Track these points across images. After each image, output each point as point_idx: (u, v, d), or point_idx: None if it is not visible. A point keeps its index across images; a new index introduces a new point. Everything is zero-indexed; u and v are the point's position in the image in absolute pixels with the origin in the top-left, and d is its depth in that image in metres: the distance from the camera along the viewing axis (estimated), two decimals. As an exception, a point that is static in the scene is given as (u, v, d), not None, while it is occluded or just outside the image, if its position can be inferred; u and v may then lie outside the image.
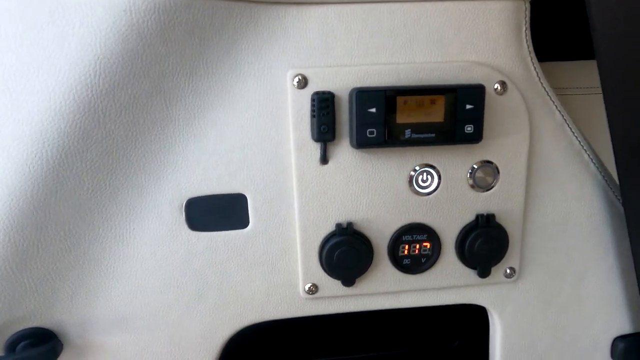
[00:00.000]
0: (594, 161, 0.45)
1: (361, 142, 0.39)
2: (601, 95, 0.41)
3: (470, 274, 0.45)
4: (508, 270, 0.46)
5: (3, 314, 0.39)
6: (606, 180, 0.45)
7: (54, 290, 0.40)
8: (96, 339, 0.43)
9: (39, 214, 0.37)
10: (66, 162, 0.36)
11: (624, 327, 0.50)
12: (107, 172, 0.38)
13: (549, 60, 0.60)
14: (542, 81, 0.42)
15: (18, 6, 0.33)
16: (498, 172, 0.43)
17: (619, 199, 0.46)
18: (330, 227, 0.42)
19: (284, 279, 0.44)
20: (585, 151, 0.45)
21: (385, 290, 0.45)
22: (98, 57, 0.34)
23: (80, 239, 0.39)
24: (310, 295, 0.44)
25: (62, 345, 0.42)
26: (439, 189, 0.42)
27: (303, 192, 0.41)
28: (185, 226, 0.41)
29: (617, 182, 0.44)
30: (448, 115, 0.39)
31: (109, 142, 0.37)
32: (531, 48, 0.41)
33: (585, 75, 0.61)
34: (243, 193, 0.41)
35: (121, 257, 0.41)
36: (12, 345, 0.40)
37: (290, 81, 0.39)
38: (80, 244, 0.40)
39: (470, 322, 0.77)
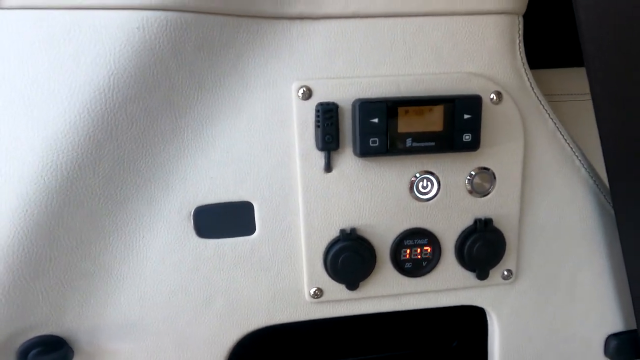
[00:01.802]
0: (585, 166, 0.47)
1: (364, 151, 0.40)
2: (588, 102, 0.43)
3: (469, 277, 0.47)
4: (505, 273, 0.48)
5: (16, 322, 0.40)
6: (597, 185, 0.48)
7: (65, 298, 0.41)
8: (106, 345, 0.43)
9: (52, 224, 0.38)
10: (79, 173, 0.37)
11: (616, 325, 0.52)
12: (118, 182, 0.39)
13: (540, 67, 0.62)
14: (535, 90, 0.44)
15: (34, 22, 0.34)
16: (495, 178, 0.44)
17: (609, 203, 0.48)
18: (334, 233, 0.44)
19: (290, 283, 0.45)
20: (577, 157, 0.47)
21: (388, 293, 0.46)
22: (112, 73, 0.35)
23: (91, 248, 0.40)
24: (315, 300, 0.45)
25: (73, 352, 0.42)
26: (438, 194, 0.44)
27: (308, 200, 0.43)
28: (193, 234, 0.42)
29: (608, 186, 0.46)
30: (447, 125, 0.40)
31: (120, 154, 0.38)
32: (524, 59, 0.43)
33: (575, 81, 0.64)
34: (249, 201, 0.42)
35: (131, 265, 0.42)
36: (24, 352, 0.41)
37: (295, 93, 0.40)
38: (91, 252, 0.41)
39: (468, 323, 0.79)
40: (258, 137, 0.41)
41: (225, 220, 0.43)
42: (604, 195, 0.48)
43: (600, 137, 0.44)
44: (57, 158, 0.36)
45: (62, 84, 0.35)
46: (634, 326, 0.52)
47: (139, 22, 0.34)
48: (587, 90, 0.44)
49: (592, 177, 0.47)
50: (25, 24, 0.34)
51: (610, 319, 0.51)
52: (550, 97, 0.63)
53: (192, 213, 0.42)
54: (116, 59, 0.35)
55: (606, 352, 0.52)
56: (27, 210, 0.37)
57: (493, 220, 0.45)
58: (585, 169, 0.47)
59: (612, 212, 0.47)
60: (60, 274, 0.40)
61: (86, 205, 0.39)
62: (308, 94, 0.40)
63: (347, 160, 0.42)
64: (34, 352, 0.41)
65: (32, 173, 0.36)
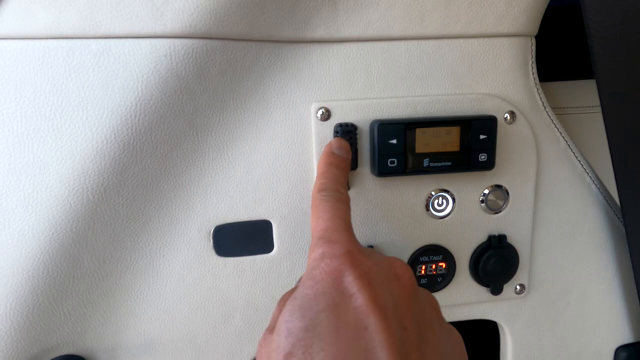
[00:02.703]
0: (595, 183, 0.48)
1: (382, 171, 0.41)
2: (596, 114, 0.43)
3: (483, 292, 0.48)
4: (518, 287, 0.48)
5: (39, 343, 0.40)
6: (607, 201, 0.49)
7: (87, 317, 0.41)
8: (126, 363, 0.44)
9: (76, 246, 0.38)
10: (104, 196, 0.38)
11: (625, 337, 0.53)
12: (140, 203, 0.40)
13: (548, 80, 0.63)
14: (547, 109, 0.45)
15: (65, 52, 0.35)
16: (508, 195, 0.45)
17: (619, 218, 0.49)
18: (351, 251, 0.44)
19: None
20: (588, 174, 0.48)
21: (404, 308, 0.47)
22: (139, 99, 0.36)
23: (113, 268, 0.41)
24: (333, 316, 0.46)
25: (93, 371, 0.43)
26: (453, 212, 0.45)
27: (326, 218, 0.43)
28: (213, 252, 0.43)
29: (618, 202, 0.47)
30: (463, 145, 0.41)
31: (144, 176, 0.39)
32: (537, 79, 0.44)
33: (584, 94, 0.65)
34: (268, 219, 0.43)
35: (151, 284, 0.42)
36: (46, 372, 0.41)
37: (314, 114, 0.41)
38: (113, 272, 0.41)
39: (475, 335, 0.79)
40: (277, 157, 0.42)
41: (244, 238, 0.43)
42: (614, 211, 0.49)
43: (610, 150, 0.45)
44: (83, 183, 0.37)
45: (91, 111, 0.36)
46: (643, 338, 0.53)
47: (166, 49, 0.35)
48: (596, 102, 0.44)
49: (602, 193, 0.48)
50: (56, 53, 0.35)
51: (620, 331, 0.52)
52: (559, 110, 0.64)
53: (211, 232, 0.42)
54: (143, 85, 0.35)
55: (616, 363, 0.53)
56: (52, 234, 0.37)
57: (507, 236, 0.46)
58: (596, 185, 0.48)
59: (622, 227, 0.48)
60: (82, 295, 0.40)
61: (109, 227, 0.39)
62: (327, 115, 0.41)
63: (365, 180, 0.43)
64: (55, 371, 0.41)
65: (59, 199, 0.37)
